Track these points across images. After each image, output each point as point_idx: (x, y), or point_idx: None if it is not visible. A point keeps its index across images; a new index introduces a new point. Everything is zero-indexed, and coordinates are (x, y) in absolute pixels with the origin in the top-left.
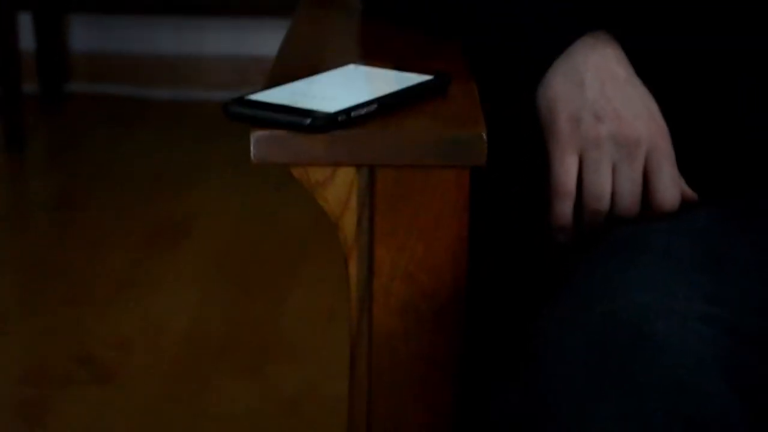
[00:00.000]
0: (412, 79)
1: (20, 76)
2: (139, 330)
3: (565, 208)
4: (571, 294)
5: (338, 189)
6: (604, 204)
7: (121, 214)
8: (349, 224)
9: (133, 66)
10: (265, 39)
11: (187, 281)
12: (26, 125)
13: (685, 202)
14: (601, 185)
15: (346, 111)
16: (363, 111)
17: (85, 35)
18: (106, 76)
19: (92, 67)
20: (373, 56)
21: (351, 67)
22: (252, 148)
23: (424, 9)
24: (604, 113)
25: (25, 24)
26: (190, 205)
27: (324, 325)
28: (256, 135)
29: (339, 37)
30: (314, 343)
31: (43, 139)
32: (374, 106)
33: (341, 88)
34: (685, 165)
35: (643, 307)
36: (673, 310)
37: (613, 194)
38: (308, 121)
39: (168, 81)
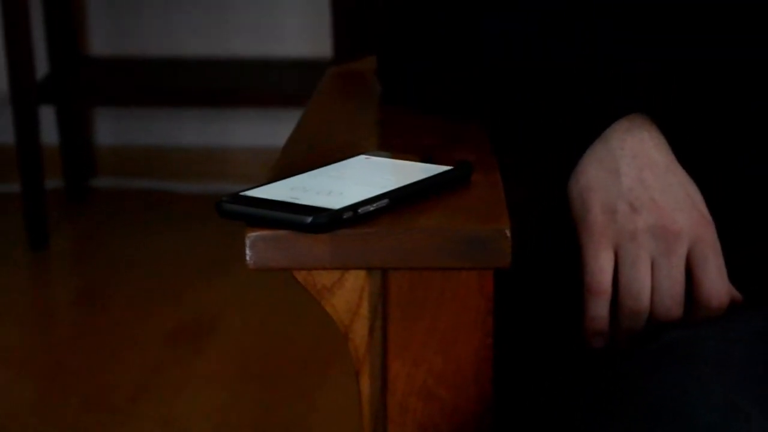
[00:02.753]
0: (429, 170)
1: (43, 171)
2: None
3: (600, 309)
4: (626, 412)
5: (347, 295)
6: (643, 303)
7: (144, 312)
8: (359, 334)
9: (159, 159)
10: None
11: (211, 383)
12: (50, 221)
13: (735, 304)
14: (639, 282)
15: (353, 207)
16: (372, 207)
17: (109, 129)
18: (132, 170)
19: (117, 161)
20: (389, 146)
21: (362, 157)
22: (247, 250)
23: (448, 94)
24: (641, 203)
25: (49, 118)
26: (214, 301)
27: (357, 429)
28: (252, 236)
29: (353, 126)
30: None
31: (67, 235)
32: (385, 201)
33: (349, 181)
34: (735, 263)
35: (710, 429)
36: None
37: (653, 293)
38: (309, 219)
39: (193, 174)
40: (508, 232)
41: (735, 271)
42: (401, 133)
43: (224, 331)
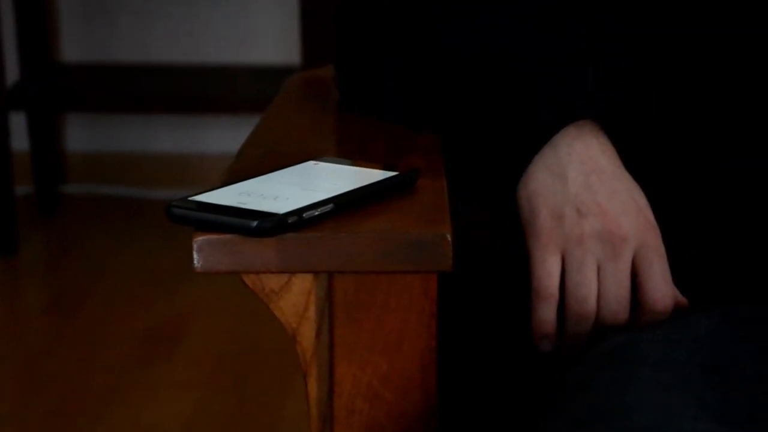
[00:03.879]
0: (375, 175)
1: (13, 177)
2: None
3: (547, 313)
4: (566, 414)
5: (295, 298)
6: (589, 307)
7: (114, 318)
8: (307, 337)
9: (130, 166)
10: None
11: (181, 388)
12: (20, 227)
13: (679, 308)
14: (586, 286)
15: (298, 212)
16: (317, 212)
17: (81, 135)
18: (103, 176)
19: (88, 167)
20: (341, 152)
21: (310, 163)
22: (195, 254)
23: (402, 102)
24: (588, 208)
25: (19, 124)
26: (185, 307)
27: None
28: (199, 240)
29: (309, 132)
30: None
31: (38, 242)
32: (330, 206)
33: (296, 186)
34: (680, 269)
35: (647, 430)
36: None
37: (599, 297)
38: (255, 223)
39: (165, 181)
40: (449, 237)
41: (684, 275)
42: (354, 140)
43: (194, 337)
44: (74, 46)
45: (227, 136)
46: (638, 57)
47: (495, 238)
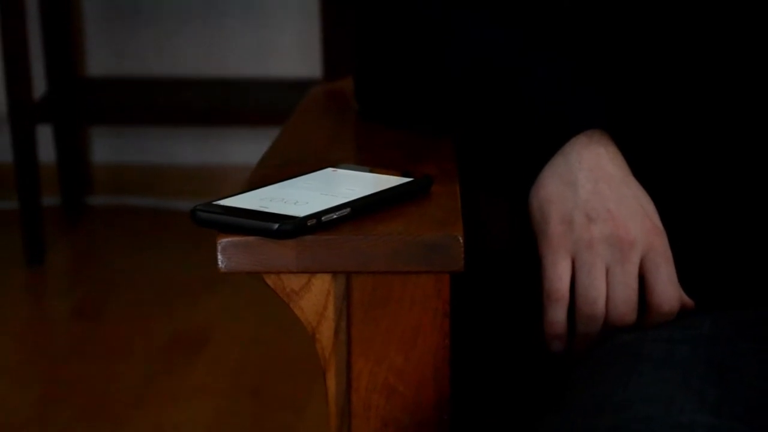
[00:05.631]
0: (391, 181)
1: (39, 188)
2: None
3: (558, 314)
4: (572, 407)
5: (315, 298)
6: (599, 309)
7: (138, 326)
8: (326, 335)
9: (155, 177)
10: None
11: (203, 394)
12: (47, 238)
13: (685, 310)
14: (595, 289)
15: (317, 215)
16: (335, 215)
17: (106, 147)
18: (128, 188)
19: (113, 179)
20: (359, 159)
21: (329, 170)
22: (219, 255)
23: (419, 110)
24: (597, 214)
25: (46, 136)
26: (207, 315)
27: None
28: (224, 242)
29: (328, 141)
30: None
31: (64, 252)
32: (347, 210)
33: (315, 192)
34: (687, 271)
35: (648, 420)
36: (680, 423)
37: (608, 299)
38: (276, 226)
39: (189, 192)
40: (461, 239)
41: (692, 278)
42: (372, 148)
43: (216, 343)
44: (99, 61)
45: (249, 147)
46: (643, 67)
47: (509, 242)
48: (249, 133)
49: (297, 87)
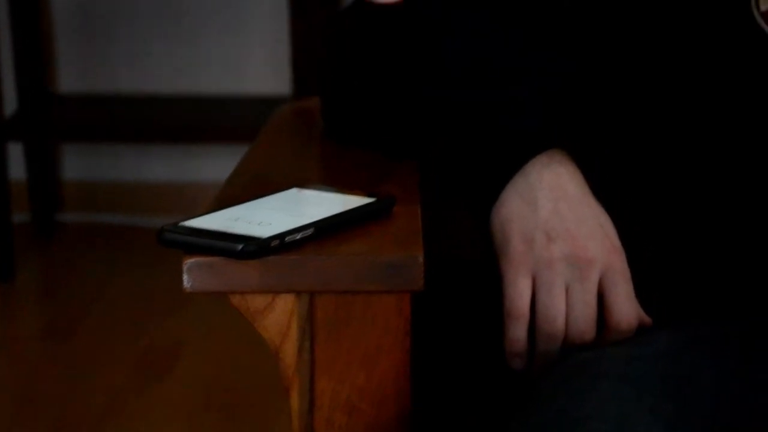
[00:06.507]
0: (354, 201)
1: (10, 205)
2: None
3: (518, 332)
4: (530, 422)
5: (278, 317)
6: (559, 327)
7: (109, 342)
8: (289, 354)
9: (126, 195)
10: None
11: (174, 411)
12: (17, 255)
13: (644, 327)
14: (554, 307)
15: (280, 236)
16: (298, 236)
17: (76, 164)
18: (99, 205)
19: (84, 196)
20: (324, 179)
21: (294, 191)
22: (184, 275)
23: (383, 130)
24: (557, 233)
25: (17, 153)
26: (178, 332)
27: None
28: (189, 262)
29: (294, 160)
30: None
31: (35, 268)
32: (310, 231)
33: (280, 212)
34: (646, 288)
35: None
36: None
37: (568, 317)
38: (240, 247)
39: (160, 209)
40: (420, 259)
41: (649, 295)
42: (337, 168)
43: (187, 360)
44: (70, 77)
45: (221, 164)
46: (605, 89)
47: (471, 261)
48: (220, 150)
49: (268, 104)
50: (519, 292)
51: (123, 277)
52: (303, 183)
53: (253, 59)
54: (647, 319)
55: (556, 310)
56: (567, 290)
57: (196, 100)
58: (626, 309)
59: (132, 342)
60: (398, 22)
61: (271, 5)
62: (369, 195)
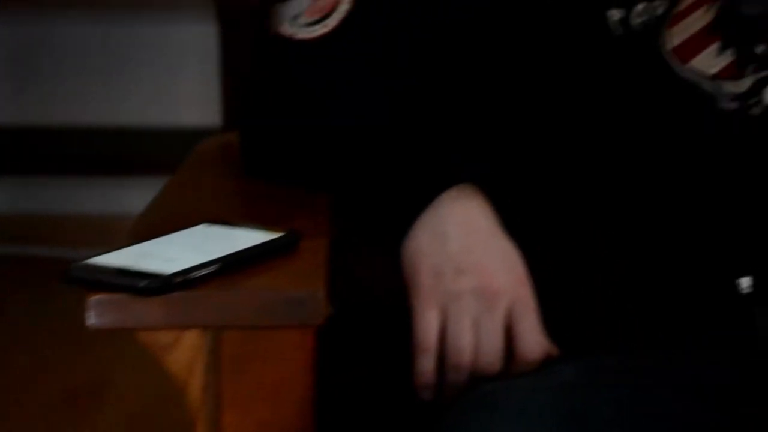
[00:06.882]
0: (261, 237)
1: None
2: None
3: (427, 364)
4: None
5: (185, 353)
6: (466, 359)
7: (36, 376)
8: (196, 387)
9: (55, 227)
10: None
11: None
12: None
13: (551, 358)
14: (462, 339)
15: (185, 272)
16: (203, 272)
17: (5, 196)
18: (27, 237)
19: (13, 228)
20: (235, 214)
21: (202, 226)
22: (88, 312)
23: (298, 166)
24: (465, 266)
25: None
26: (105, 366)
27: None
28: (93, 299)
29: (210, 195)
30: None
31: None
32: (215, 266)
33: (187, 248)
34: (553, 320)
35: None
36: None
37: (476, 348)
38: (143, 283)
39: (89, 241)
40: (321, 294)
41: (557, 327)
42: (249, 203)
43: (113, 393)
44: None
45: (150, 197)
46: (516, 123)
47: (384, 294)
48: (150, 182)
49: (197, 136)
50: (427, 325)
51: (50, 310)
52: (213, 219)
53: (183, 90)
54: (554, 351)
55: (463, 343)
56: (475, 322)
57: (127, 132)
58: (533, 341)
59: (58, 377)
60: (316, 58)
61: (202, 36)
62: (276, 230)
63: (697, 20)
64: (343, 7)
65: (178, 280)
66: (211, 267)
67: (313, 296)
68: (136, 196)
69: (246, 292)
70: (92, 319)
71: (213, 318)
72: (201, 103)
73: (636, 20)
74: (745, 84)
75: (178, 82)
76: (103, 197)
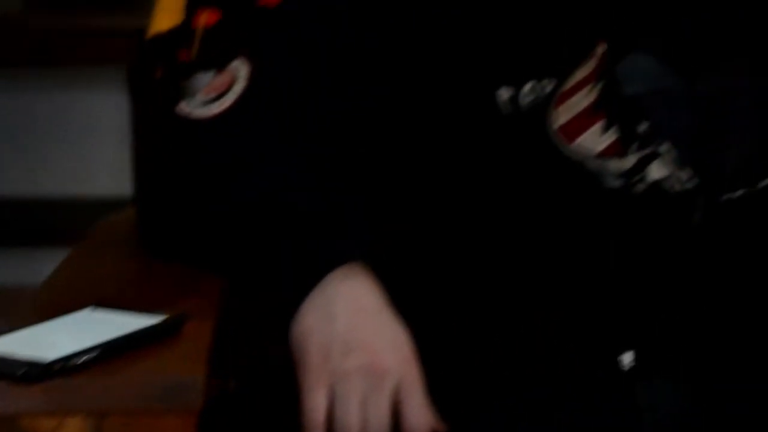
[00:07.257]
0: (145, 321)
1: None
2: None
3: None
4: None
5: None
6: None
7: None
8: None
9: None
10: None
11: None
12: None
13: None
14: (350, 418)
15: (65, 359)
16: (83, 358)
17: None
18: None
19: None
20: (124, 296)
21: (87, 311)
22: None
23: (191, 247)
24: (353, 345)
25: None
26: None
27: None
28: None
29: (103, 276)
30: None
31: None
32: (96, 352)
33: (69, 334)
34: (440, 396)
35: None
36: None
37: (364, 426)
38: (22, 371)
39: (3, 314)
40: (201, 379)
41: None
42: (140, 284)
43: None
44: None
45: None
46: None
47: (275, 373)
48: (62, 253)
49: (111, 206)
50: (316, 404)
51: None
52: (100, 302)
53: (96, 160)
54: (441, 427)
55: (351, 421)
56: (363, 401)
57: (38, 202)
58: (420, 419)
59: None
60: (210, 136)
61: (115, 107)
62: (162, 313)
63: (583, 99)
64: (239, 86)
65: (58, 367)
66: (92, 353)
67: (191, 382)
68: (49, 267)
69: (125, 378)
70: None
71: (96, 404)
72: (115, 174)
73: (525, 99)
74: (629, 161)
75: (93, 152)
76: (17, 268)
